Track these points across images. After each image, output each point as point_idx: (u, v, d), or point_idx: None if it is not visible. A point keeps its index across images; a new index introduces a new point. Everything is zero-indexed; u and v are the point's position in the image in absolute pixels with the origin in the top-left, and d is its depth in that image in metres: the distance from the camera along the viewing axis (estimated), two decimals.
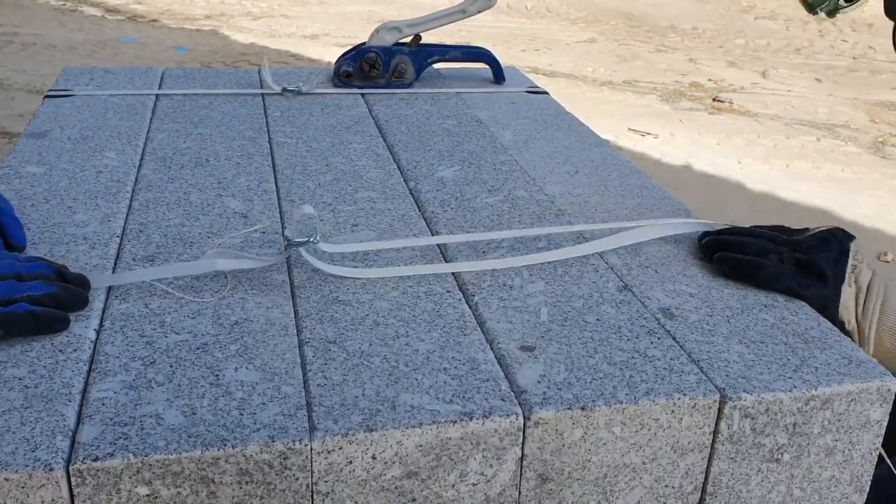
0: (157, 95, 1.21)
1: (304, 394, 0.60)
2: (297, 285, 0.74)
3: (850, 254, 0.80)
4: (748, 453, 0.65)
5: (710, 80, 4.73)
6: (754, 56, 5.34)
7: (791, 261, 0.79)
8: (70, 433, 0.55)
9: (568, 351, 0.67)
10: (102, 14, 5.42)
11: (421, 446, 0.58)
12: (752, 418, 0.64)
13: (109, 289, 0.72)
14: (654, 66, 4.98)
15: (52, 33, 4.83)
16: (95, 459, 0.53)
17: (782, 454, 0.66)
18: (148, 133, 1.07)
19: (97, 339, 0.65)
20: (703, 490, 0.66)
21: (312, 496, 0.57)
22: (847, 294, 0.79)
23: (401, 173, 1.00)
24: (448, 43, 1.38)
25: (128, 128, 1.08)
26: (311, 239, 0.75)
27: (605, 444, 0.62)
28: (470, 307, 0.73)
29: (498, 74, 1.38)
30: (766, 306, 0.75)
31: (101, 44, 4.70)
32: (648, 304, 0.74)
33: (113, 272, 0.74)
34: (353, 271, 0.77)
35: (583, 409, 0.60)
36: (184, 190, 0.91)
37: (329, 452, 0.56)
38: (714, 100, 4.32)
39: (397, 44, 1.32)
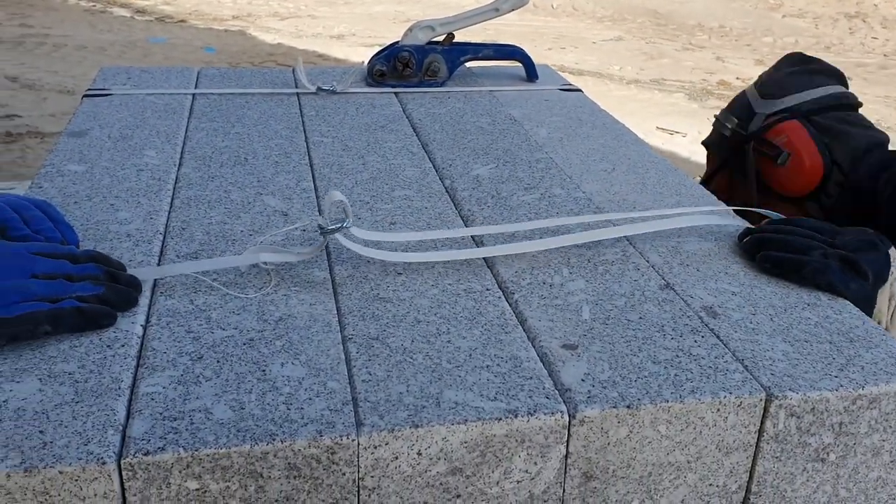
0: (193, 95, 1.22)
1: (349, 389, 0.60)
2: (339, 283, 0.75)
3: (892, 259, 0.80)
4: (793, 452, 0.65)
5: (737, 78, 4.70)
6: (782, 54, 5.30)
7: (835, 257, 0.78)
8: (121, 427, 0.55)
9: (611, 349, 0.66)
10: (132, 15, 5.47)
11: (466, 443, 0.58)
12: (798, 417, 0.63)
13: (155, 285, 0.73)
14: (682, 65, 4.96)
15: (82, 34, 4.88)
16: (146, 453, 0.53)
17: (828, 454, 0.65)
18: (186, 132, 1.08)
19: (144, 334, 0.66)
20: (748, 489, 0.65)
21: (359, 491, 0.58)
22: (882, 298, 0.79)
23: (436, 171, 1.00)
24: (478, 41, 1.38)
25: (166, 126, 1.09)
26: (344, 224, 0.75)
27: (649, 442, 0.61)
28: (510, 305, 0.73)
29: (531, 72, 1.38)
30: (809, 305, 0.75)
31: (131, 44, 4.75)
32: (691, 303, 0.74)
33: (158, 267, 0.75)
34: (387, 255, 0.77)
35: (628, 407, 0.60)
36: (224, 188, 0.92)
37: (375, 448, 0.56)
38: None
39: (430, 42, 1.32)
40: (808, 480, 0.66)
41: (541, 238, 0.83)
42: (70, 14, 5.35)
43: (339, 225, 0.75)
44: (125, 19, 5.36)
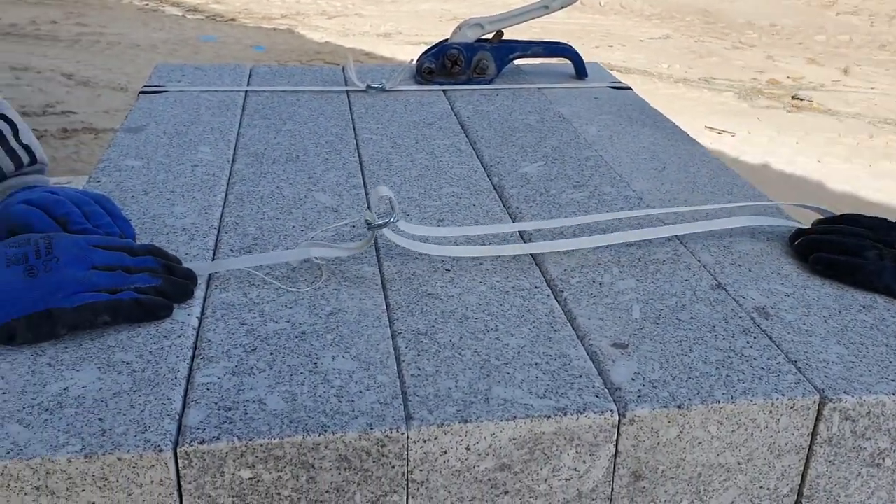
0: (246, 92, 1.23)
1: (398, 384, 0.61)
2: (388, 278, 0.75)
3: None
4: (847, 457, 0.64)
5: (788, 77, 4.62)
6: (835, 53, 5.20)
7: (891, 258, 0.77)
8: (177, 416, 0.57)
9: (662, 349, 0.66)
10: (183, 14, 5.55)
11: (514, 439, 0.58)
12: (853, 421, 0.62)
13: (210, 279, 0.74)
14: (731, 63, 4.89)
15: (135, 33, 4.97)
16: (202, 442, 0.54)
17: (884, 459, 0.64)
18: (239, 128, 1.10)
19: (200, 326, 0.67)
20: (800, 493, 0.65)
21: (407, 484, 0.58)
22: None
23: (484, 169, 1.01)
24: (527, 39, 1.38)
25: (220, 123, 1.10)
26: (391, 219, 0.76)
27: (700, 443, 0.61)
28: (559, 303, 0.73)
29: (580, 70, 1.38)
30: (864, 307, 0.73)
31: (182, 42, 4.82)
32: (743, 303, 0.73)
33: (213, 261, 0.76)
34: (434, 248, 0.78)
35: (679, 407, 0.60)
36: (276, 184, 0.93)
37: (425, 442, 0.57)
38: (793, 98, 4.23)
39: (479, 40, 1.32)
40: (862, 486, 0.65)
41: (589, 235, 0.83)
42: (124, 13, 5.45)
43: (387, 220, 0.76)
44: (177, 18, 5.44)
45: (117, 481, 0.54)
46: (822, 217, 0.88)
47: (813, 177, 3.27)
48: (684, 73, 4.65)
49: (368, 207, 0.88)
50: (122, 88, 3.91)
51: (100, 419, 0.56)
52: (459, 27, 1.33)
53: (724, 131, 3.71)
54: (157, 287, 0.68)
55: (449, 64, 1.30)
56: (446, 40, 1.33)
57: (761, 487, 0.64)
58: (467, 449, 0.58)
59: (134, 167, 0.96)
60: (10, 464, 0.52)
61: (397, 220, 0.77)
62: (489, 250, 0.79)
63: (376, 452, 0.57)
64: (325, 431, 0.56)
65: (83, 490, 0.54)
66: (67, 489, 0.54)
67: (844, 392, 0.62)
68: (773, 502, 0.65)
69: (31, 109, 3.57)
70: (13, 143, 0.83)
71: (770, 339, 0.68)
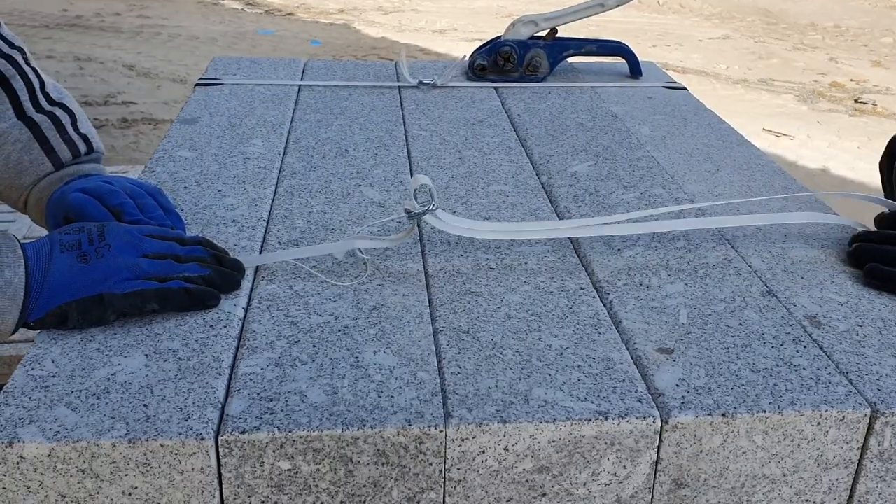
0: (299, 86, 1.24)
1: (438, 381, 0.61)
2: (432, 275, 0.75)
3: None
4: None
5: (852, 80, 4.52)
6: None
7: None
8: (220, 405, 0.57)
9: (708, 355, 0.65)
10: (242, 7, 5.62)
11: (554, 442, 0.58)
12: None
13: (257, 271, 0.75)
14: (792, 65, 4.80)
15: (195, 25, 5.04)
16: (243, 432, 0.55)
17: None
18: (291, 122, 1.10)
19: (245, 317, 0.68)
20: None
21: (445, 482, 0.58)
22: None
23: (533, 167, 1.00)
24: (581, 37, 1.37)
25: (273, 116, 1.11)
26: (430, 207, 0.76)
27: (744, 452, 0.60)
28: (605, 305, 0.72)
29: (635, 69, 1.36)
30: None
31: (241, 36, 4.88)
32: (794, 311, 0.72)
33: (260, 254, 0.77)
34: (476, 231, 0.78)
35: (723, 415, 0.59)
36: (325, 178, 0.94)
37: (463, 440, 0.57)
38: (856, 101, 4.13)
39: (533, 37, 1.31)
40: None
41: (637, 236, 0.82)
42: (185, 5, 5.53)
43: (426, 208, 0.76)
44: (236, 11, 5.52)
45: (159, 467, 0.55)
46: (883, 213, 0.85)
47: (875, 183, 3.19)
48: (743, 75, 4.57)
49: (414, 198, 0.88)
50: (181, 80, 3.98)
51: (144, 405, 0.57)
52: (513, 24, 1.32)
53: (783, 134, 3.64)
54: (206, 277, 0.69)
55: (501, 61, 1.30)
56: (499, 37, 1.32)
57: (807, 501, 0.62)
58: (505, 449, 0.58)
59: (187, 158, 0.97)
60: (57, 446, 0.53)
61: (436, 208, 0.76)
62: (530, 230, 0.78)
63: (414, 449, 0.56)
64: (364, 426, 0.56)
65: (126, 474, 0.55)
66: (111, 473, 0.55)
67: None
68: None
69: (92, 99, 3.65)
70: (71, 132, 0.85)
71: (821, 348, 0.67)
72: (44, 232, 0.83)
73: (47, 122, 0.83)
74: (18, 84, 0.83)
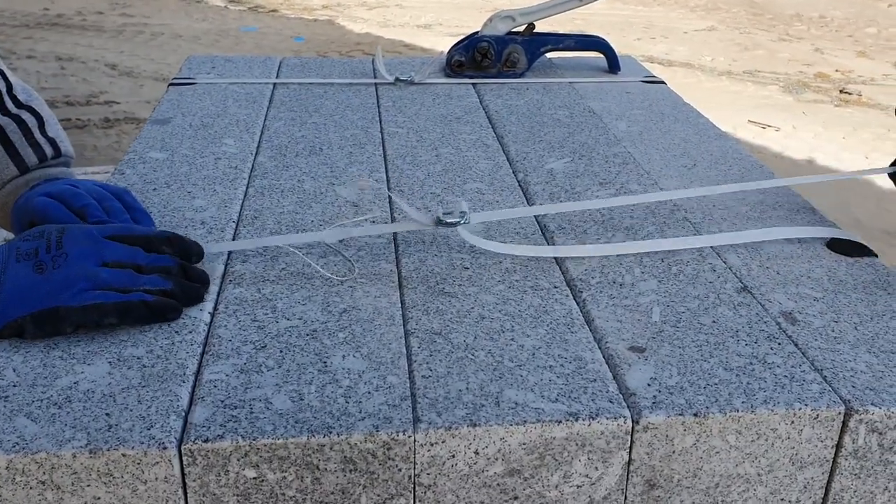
0: (274, 84, 1.23)
1: (408, 384, 0.60)
2: (405, 276, 0.74)
3: None
4: (874, 470, 0.61)
5: (837, 70, 4.53)
6: (887, 46, 5.08)
7: None
8: (183, 413, 0.56)
9: (681, 354, 0.64)
10: (225, 5, 5.60)
11: (524, 444, 0.57)
12: (881, 433, 0.60)
13: (224, 274, 0.73)
14: (777, 56, 4.81)
15: (178, 23, 5.01)
16: (206, 440, 0.54)
17: None
18: (265, 121, 1.09)
19: (211, 322, 0.67)
20: None
21: (414, 488, 0.57)
22: None
23: (510, 165, 0.99)
24: (561, 32, 1.36)
25: (246, 115, 1.10)
26: (463, 220, 0.75)
27: (717, 452, 0.59)
28: (578, 304, 0.71)
29: (613, 64, 1.35)
30: None
31: (224, 33, 4.85)
32: (769, 308, 0.71)
33: (228, 258, 0.76)
34: (503, 247, 0.78)
35: (695, 415, 0.58)
36: (298, 178, 0.93)
37: (432, 445, 0.56)
38: (841, 91, 4.14)
39: (510, 33, 1.30)
40: (889, 501, 0.63)
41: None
42: (167, 3, 5.50)
43: (458, 220, 0.75)
44: (219, 9, 5.49)
45: (122, 477, 0.54)
46: None
47: None
48: (728, 66, 4.57)
49: (391, 209, 0.87)
50: (164, 79, 3.95)
51: (107, 414, 0.56)
52: (490, 19, 1.31)
53: (768, 126, 3.64)
54: (168, 290, 0.67)
55: (479, 57, 1.29)
56: (477, 32, 1.31)
57: (782, 500, 0.62)
58: (476, 453, 0.57)
59: (158, 159, 0.96)
60: (15, 458, 0.52)
61: (468, 222, 0.76)
62: (558, 251, 0.78)
63: (382, 455, 0.55)
64: (331, 433, 0.55)
65: (88, 485, 0.54)
66: (72, 484, 0.53)
67: (872, 403, 0.59)
68: None
69: (74, 99, 3.62)
70: (38, 136, 0.83)
71: (796, 345, 0.66)
72: None
73: (13, 125, 0.82)
74: None
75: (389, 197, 0.89)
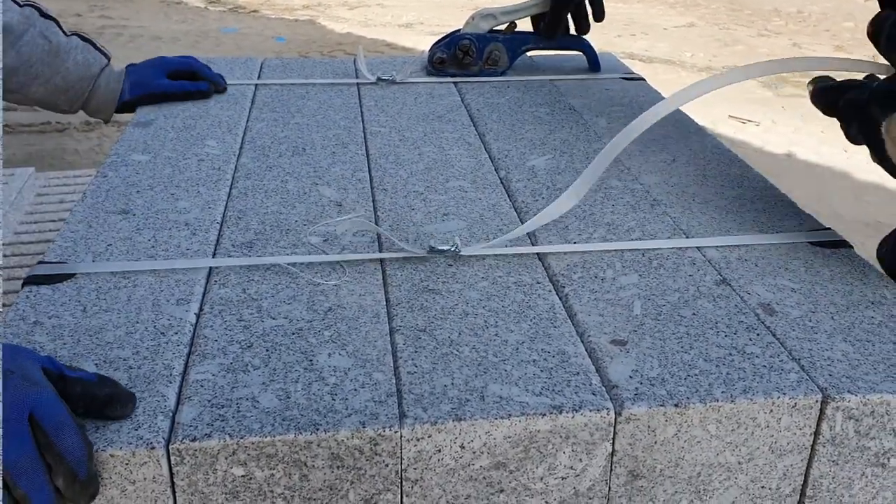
0: (256, 85, 1.23)
1: (394, 381, 0.60)
2: (389, 273, 0.75)
3: None
4: (851, 456, 0.62)
5: None
6: (864, 41, 5.12)
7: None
8: (171, 413, 0.57)
9: (662, 346, 0.65)
10: (205, 6, 5.57)
11: (509, 437, 0.58)
12: (857, 420, 0.61)
13: (209, 274, 0.74)
14: (756, 51, 4.84)
15: (157, 25, 4.99)
16: (194, 440, 0.54)
17: (889, 459, 0.63)
18: (247, 122, 1.09)
19: (197, 322, 0.67)
20: (802, 493, 0.64)
21: (401, 482, 0.58)
22: None
23: (492, 162, 1.00)
24: None
25: (228, 117, 1.10)
26: (452, 247, 0.77)
27: (699, 442, 0.60)
28: (560, 299, 0.72)
29: (593, 63, 1.36)
30: (873, 303, 0.72)
31: (204, 35, 4.84)
32: (748, 299, 0.72)
33: (213, 257, 0.76)
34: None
35: (676, 406, 0.59)
36: (281, 178, 0.93)
37: (418, 440, 0.57)
38: None
39: (492, 31, 1.31)
40: (866, 486, 0.64)
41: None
42: (147, 5, 5.47)
43: (448, 247, 0.77)
44: (199, 10, 5.47)
45: (110, 478, 0.54)
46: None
47: (839, 167, 3.23)
48: (708, 62, 4.60)
49: (374, 208, 0.88)
50: None
51: None
52: (472, 17, 1.32)
53: (748, 121, 3.67)
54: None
55: (461, 54, 1.29)
56: (459, 30, 1.32)
57: (763, 487, 0.63)
58: (461, 447, 0.57)
59: (141, 162, 0.96)
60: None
61: (459, 250, 0.77)
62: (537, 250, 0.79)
63: (369, 451, 0.56)
64: (317, 430, 0.55)
65: None
66: None
67: (848, 391, 0.61)
68: (776, 502, 0.63)
69: None
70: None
71: (774, 336, 0.67)
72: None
73: (80, 35, 1.15)
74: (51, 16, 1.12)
75: (373, 195, 0.89)
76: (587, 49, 1.36)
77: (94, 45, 1.17)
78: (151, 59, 1.22)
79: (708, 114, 3.59)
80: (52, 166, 2.89)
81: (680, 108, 1.19)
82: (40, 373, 0.55)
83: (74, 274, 0.73)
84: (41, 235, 1.74)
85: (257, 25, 5.11)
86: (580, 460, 0.59)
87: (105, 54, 1.18)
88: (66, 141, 3.21)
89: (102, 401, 0.56)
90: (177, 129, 1.05)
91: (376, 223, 0.83)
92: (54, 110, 1.16)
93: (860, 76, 0.82)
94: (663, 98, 1.23)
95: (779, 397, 0.60)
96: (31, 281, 0.72)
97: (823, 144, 3.42)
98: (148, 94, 1.15)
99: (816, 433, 0.61)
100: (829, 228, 0.85)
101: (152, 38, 4.69)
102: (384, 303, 0.70)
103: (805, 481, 0.63)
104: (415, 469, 0.57)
